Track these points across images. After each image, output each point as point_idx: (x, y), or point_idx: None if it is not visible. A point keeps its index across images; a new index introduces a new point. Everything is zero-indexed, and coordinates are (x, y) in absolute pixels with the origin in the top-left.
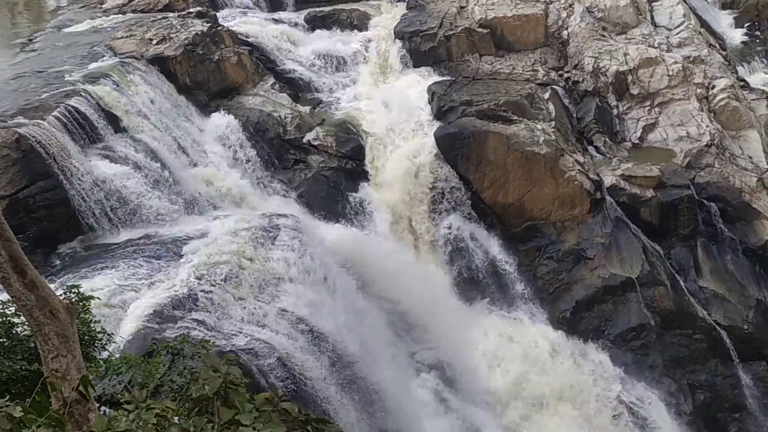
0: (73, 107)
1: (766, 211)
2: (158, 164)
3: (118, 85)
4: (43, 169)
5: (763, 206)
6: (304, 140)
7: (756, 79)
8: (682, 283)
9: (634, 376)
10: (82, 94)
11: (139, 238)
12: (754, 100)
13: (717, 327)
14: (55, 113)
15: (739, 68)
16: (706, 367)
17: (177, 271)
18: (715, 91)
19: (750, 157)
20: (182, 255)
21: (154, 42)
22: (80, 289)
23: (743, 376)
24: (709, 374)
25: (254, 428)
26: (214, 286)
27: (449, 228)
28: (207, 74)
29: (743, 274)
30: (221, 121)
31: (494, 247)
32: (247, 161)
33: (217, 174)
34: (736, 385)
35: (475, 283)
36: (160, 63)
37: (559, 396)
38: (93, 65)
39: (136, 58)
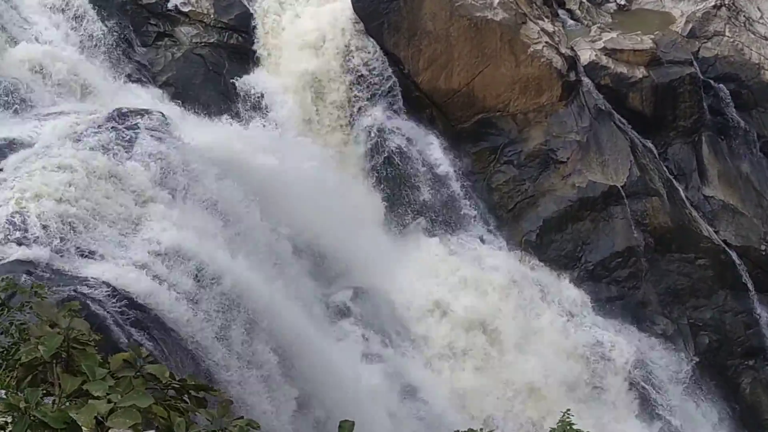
0: None
1: None
2: None
3: None
4: None
5: None
6: (170, 5)
7: None
8: (681, 192)
9: (619, 316)
10: None
11: None
12: None
13: (727, 248)
14: None
15: None
16: (712, 302)
17: None
18: None
19: None
20: (1, 169)
21: None
22: None
23: (760, 312)
24: (716, 310)
25: (109, 401)
26: (49, 211)
27: (372, 125)
28: None
29: (761, 177)
30: None
31: (434, 148)
32: (90, 36)
33: (48, 54)
34: (750, 323)
35: (408, 199)
36: None
37: (521, 346)
38: None
39: None
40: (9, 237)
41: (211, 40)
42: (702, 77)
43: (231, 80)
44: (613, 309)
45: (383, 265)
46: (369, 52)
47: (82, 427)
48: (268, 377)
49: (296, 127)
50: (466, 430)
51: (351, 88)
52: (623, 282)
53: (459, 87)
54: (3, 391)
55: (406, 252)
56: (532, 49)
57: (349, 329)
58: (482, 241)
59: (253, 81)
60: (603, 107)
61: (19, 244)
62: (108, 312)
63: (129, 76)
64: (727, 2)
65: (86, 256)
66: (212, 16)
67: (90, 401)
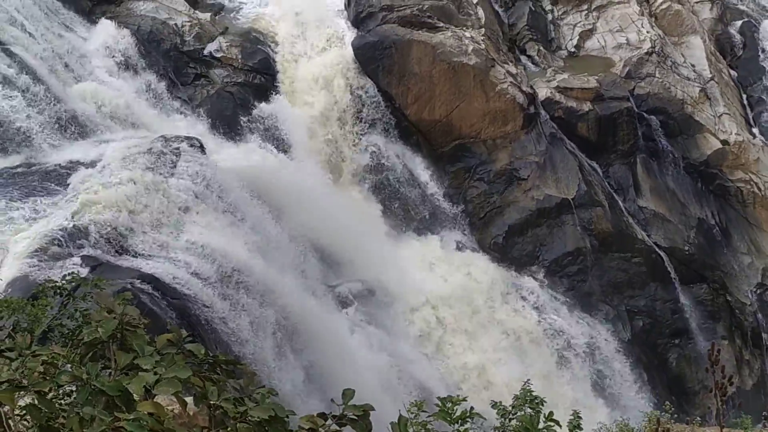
0: None
1: (709, 123)
2: (34, 80)
3: None
4: None
5: (706, 118)
6: (205, 52)
7: None
8: (620, 203)
9: (570, 303)
10: None
11: (17, 167)
12: (697, 2)
13: (657, 249)
14: None
15: None
16: (645, 292)
17: (64, 203)
18: None
19: (692, 66)
20: (68, 185)
21: None
22: None
23: (684, 300)
24: (648, 299)
25: (155, 373)
26: (108, 219)
27: (370, 149)
28: None
29: (684, 191)
30: (108, 30)
31: (420, 168)
32: (141, 76)
33: (105, 91)
34: (676, 309)
35: (399, 208)
36: None
37: (492, 329)
38: None
39: None
40: (75, 240)
41: (239, 80)
42: (637, 110)
43: (255, 112)
44: (567, 299)
45: (380, 261)
46: (367, 90)
47: (134, 394)
48: (280, 352)
49: (308, 149)
50: (446, 395)
51: (353, 118)
52: (573, 276)
53: (440, 118)
54: (69, 366)
55: (398, 250)
56: (499, 88)
57: (351, 315)
58: (459, 242)
59: (273, 113)
60: (557, 134)
61: (83, 246)
62: (154, 301)
63: (172, 109)
64: (657, 50)
65: (137, 256)
66: (240, 60)
67: (140, 373)
